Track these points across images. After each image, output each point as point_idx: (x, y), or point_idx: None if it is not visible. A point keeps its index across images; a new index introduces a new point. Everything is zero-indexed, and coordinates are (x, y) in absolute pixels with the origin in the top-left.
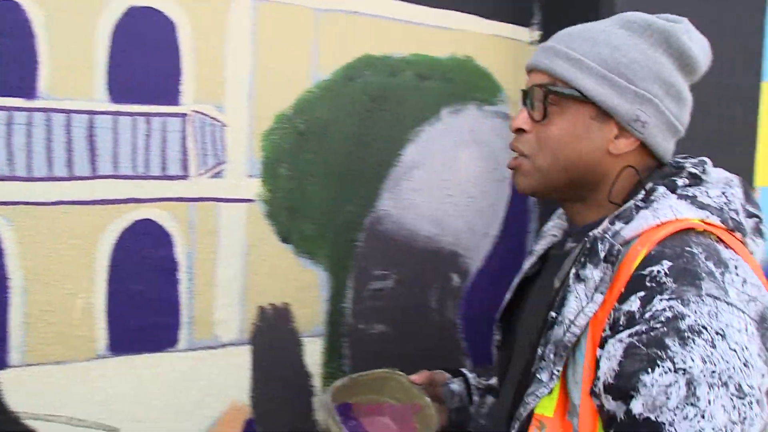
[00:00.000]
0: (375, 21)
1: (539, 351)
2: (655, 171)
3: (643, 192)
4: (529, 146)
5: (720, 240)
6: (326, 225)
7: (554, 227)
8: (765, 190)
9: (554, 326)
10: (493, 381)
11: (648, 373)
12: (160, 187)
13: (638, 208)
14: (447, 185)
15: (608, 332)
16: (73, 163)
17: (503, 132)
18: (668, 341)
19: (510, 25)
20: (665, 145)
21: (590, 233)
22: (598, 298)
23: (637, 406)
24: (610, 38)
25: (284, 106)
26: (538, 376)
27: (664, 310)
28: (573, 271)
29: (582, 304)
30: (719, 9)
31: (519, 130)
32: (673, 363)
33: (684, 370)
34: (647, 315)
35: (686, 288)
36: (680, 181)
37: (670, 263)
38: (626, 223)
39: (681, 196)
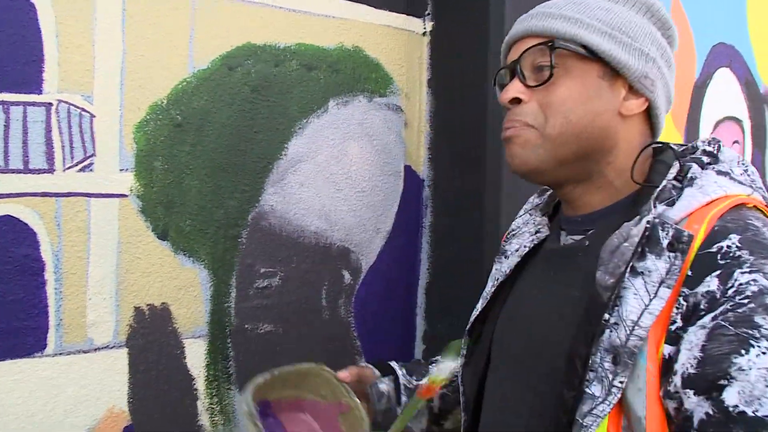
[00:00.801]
0: (257, 8)
1: (581, 360)
2: (667, 150)
3: (674, 169)
4: (533, 115)
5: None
6: (206, 221)
7: (529, 223)
8: None
9: (605, 330)
10: (425, 381)
11: (741, 354)
12: (23, 182)
13: (677, 188)
14: (336, 179)
15: (680, 323)
16: None
17: (395, 124)
18: (758, 319)
19: (402, 15)
20: (663, 115)
21: (648, 219)
22: (664, 292)
23: (731, 396)
24: (599, 3)
25: (159, 97)
26: (588, 390)
27: (749, 283)
28: (629, 264)
29: (644, 301)
30: None
31: (514, 101)
32: None
33: None
34: (730, 291)
35: (764, 260)
36: (705, 158)
37: (738, 236)
38: (670, 204)
39: (719, 173)
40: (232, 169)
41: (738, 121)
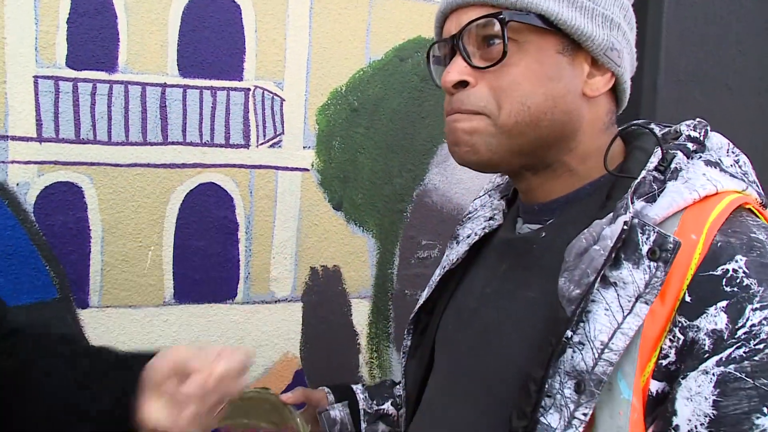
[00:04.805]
0: (428, 5)
1: (535, 384)
2: (646, 134)
3: (655, 158)
4: (483, 102)
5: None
6: (376, 195)
7: (485, 206)
8: None
9: (566, 350)
10: (387, 405)
11: (764, 414)
12: (224, 155)
13: (658, 180)
14: None
15: (673, 358)
16: (147, 130)
17: None
18: None
19: None
20: (628, 90)
21: (626, 219)
22: (641, 309)
23: None
24: None
25: (339, 84)
26: (542, 420)
27: (761, 324)
28: (600, 272)
29: (617, 318)
30: None
31: (459, 84)
32: None
33: None
34: (741, 333)
35: None
36: (690, 145)
37: (744, 258)
38: (650, 200)
39: (708, 163)
40: (401, 150)
41: None
